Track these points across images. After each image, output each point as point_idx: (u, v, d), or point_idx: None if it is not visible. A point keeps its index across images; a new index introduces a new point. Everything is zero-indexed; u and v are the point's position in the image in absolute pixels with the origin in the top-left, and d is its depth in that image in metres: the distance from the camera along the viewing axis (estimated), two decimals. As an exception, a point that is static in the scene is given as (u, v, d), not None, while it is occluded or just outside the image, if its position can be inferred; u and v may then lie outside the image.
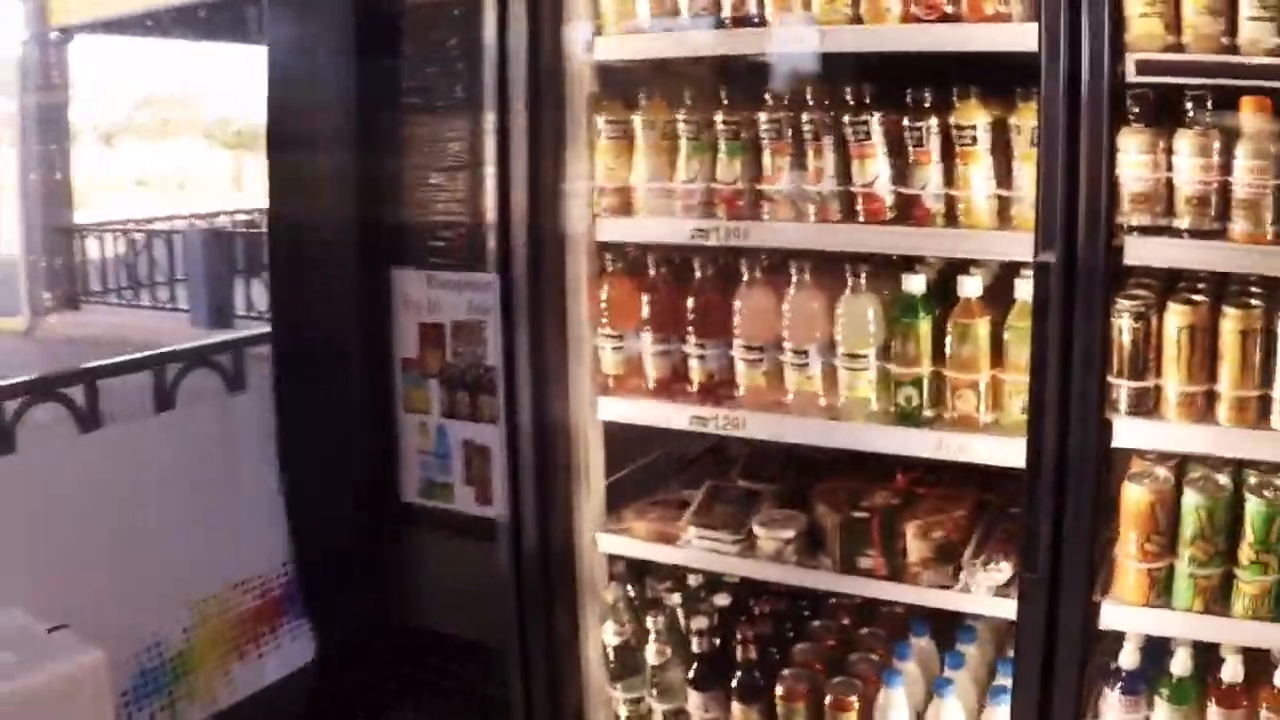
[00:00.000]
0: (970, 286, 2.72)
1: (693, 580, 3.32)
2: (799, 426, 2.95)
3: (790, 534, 3.04)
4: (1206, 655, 2.67)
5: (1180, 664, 2.63)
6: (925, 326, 2.77)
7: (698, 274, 3.05)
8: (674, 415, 3.09)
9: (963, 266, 2.80)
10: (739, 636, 3.12)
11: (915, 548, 2.90)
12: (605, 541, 3.28)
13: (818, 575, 3.01)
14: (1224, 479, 2.58)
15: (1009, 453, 2.66)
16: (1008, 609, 2.72)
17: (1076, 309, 2.41)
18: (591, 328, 3.18)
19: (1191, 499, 2.54)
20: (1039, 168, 2.43)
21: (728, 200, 2.94)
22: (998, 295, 2.77)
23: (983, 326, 2.71)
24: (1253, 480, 2.56)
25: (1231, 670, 2.58)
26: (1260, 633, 2.54)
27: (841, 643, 3.20)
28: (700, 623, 3.17)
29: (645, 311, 3.11)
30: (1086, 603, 2.57)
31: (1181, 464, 2.65)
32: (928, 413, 2.81)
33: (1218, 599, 2.55)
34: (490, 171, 2.93)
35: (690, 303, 3.05)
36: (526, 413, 3.05)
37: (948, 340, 2.75)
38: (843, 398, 2.89)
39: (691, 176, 2.97)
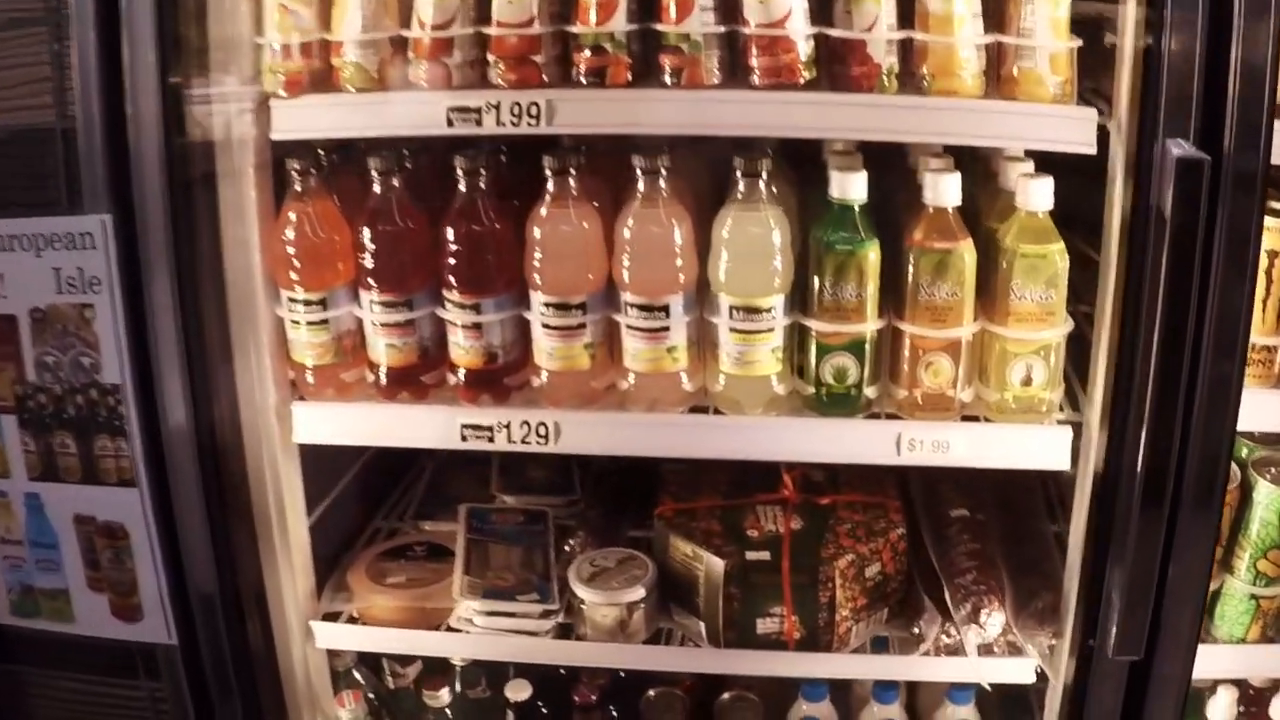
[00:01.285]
0: (948, 189, 1.67)
1: (459, 659, 2.15)
2: (658, 431, 1.82)
3: (639, 594, 1.92)
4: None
5: (1222, 710, 1.99)
6: (872, 256, 1.69)
7: (461, 187, 1.79)
8: (431, 427, 1.86)
9: (891, 154, 1.76)
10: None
11: (845, 594, 1.87)
12: (327, 634, 2.02)
13: (696, 656, 1.94)
14: (1299, 461, 1.80)
15: (1045, 450, 1.72)
16: (1018, 672, 1.83)
17: (1218, 233, 1.43)
18: (271, 290, 1.87)
19: (1268, 494, 1.78)
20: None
21: (514, 56, 1.70)
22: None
23: (968, 253, 1.67)
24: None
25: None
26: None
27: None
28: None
29: (367, 257, 1.83)
30: (1188, 671, 1.67)
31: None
32: (869, 392, 1.76)
33: (1275, 623, 1.89)
34: (86, 31, 1.55)
35: (450, 235, 1.80)
36: (186, 450, 1.73)
37: (909, 278, 1.69)
38: (722, 378, 1.78)
39: (446, 17, 1.71)
